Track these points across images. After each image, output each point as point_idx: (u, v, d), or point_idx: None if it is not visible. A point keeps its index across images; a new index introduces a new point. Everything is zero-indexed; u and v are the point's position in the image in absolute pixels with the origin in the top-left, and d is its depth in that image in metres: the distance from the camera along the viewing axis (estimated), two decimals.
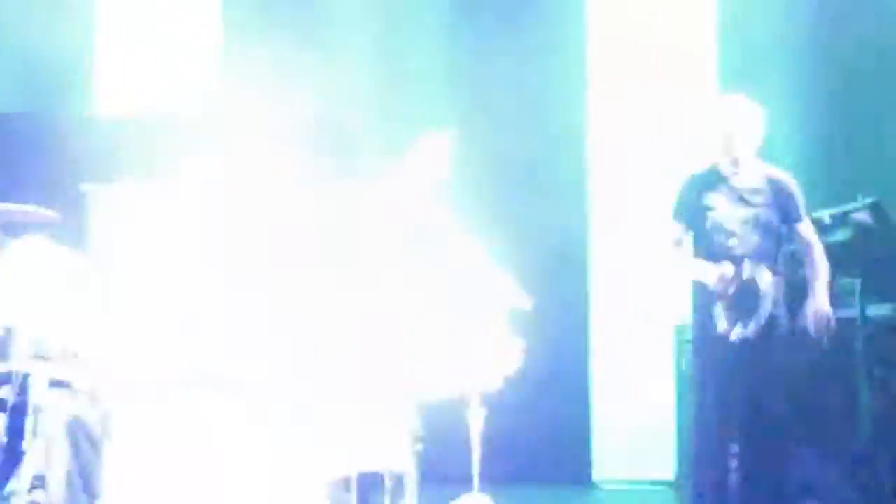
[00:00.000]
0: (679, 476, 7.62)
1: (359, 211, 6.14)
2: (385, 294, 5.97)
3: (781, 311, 6.30)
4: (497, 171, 8.93)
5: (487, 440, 5.87)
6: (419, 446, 5.73)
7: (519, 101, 9.12)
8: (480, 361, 5.91)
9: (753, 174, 6.38)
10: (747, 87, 7.75)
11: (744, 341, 6.20)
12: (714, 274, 6.15)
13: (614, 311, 8.83)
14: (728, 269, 6.07)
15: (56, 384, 5.83)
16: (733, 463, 6.25)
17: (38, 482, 5.57)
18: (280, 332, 5.87)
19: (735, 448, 6.29)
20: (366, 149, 8.12)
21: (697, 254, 6.48)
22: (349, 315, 5.96)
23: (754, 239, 6.32)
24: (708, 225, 6.33)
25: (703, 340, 6.40)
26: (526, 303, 6.04)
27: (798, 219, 6.45)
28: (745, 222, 6.32)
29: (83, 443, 5.59)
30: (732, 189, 6.33)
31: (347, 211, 6.21)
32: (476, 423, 5.82)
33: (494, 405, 5.94)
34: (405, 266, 6.06)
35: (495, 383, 5.96)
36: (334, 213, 6.06)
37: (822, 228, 6.72)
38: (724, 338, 6.24)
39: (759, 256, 6.30)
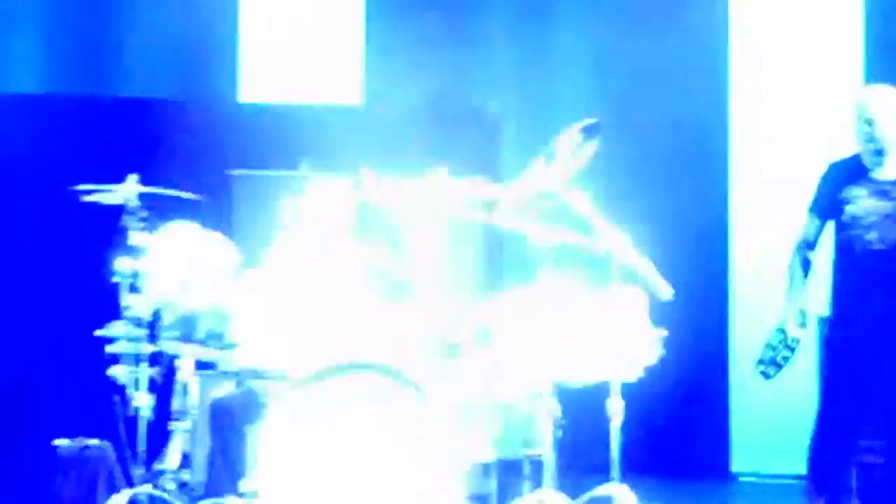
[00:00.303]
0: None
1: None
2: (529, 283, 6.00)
3: None
4: (638, 163, 8.84)
5: (627, 430, 5.82)
6: (559, 433, 5.69)
7: (661, 92, 9.01)
8: (621, 351, 5.86)
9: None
10: (893, 78, 7.62)
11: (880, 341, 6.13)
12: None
13: (755, 303, 8.60)
14: None
15: (202, 366, 6.03)
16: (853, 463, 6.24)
17: (185, 461, 5.73)
18: (419, 319, 5.96)
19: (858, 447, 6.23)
20: (507, 137, 8.01)
21: (837, 248, 6.35)
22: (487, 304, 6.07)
23: (895, 234, 6.23)
24: (846, 219, 6.20)
25: (837, 336, 6.27)
26: (667, 293, 5.90)
27: None
28: (887, 217, 6.17)
29: (226, 424, 5.69)
30: (873, 181, 6.18)
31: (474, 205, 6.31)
32: (616, 412, 5.76)
33: (634, 395, 5.89)
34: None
35: (636, 373, 5.92)
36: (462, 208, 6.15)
37: None
38: (859, 335, 6.12)
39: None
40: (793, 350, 6.27)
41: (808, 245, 6.38)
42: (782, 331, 6.25)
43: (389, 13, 9.16)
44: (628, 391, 5.89)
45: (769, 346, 6.31)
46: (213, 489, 5.71)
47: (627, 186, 8.38)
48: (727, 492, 8.52)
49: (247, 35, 9.21)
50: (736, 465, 9.02)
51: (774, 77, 9.37)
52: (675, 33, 9.03)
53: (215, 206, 6.47)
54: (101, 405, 6.14)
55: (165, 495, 5.66)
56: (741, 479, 8.86)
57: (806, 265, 6.37)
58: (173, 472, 5.74)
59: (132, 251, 5.72)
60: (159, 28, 9.09)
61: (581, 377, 5.94)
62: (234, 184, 7.24)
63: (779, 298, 6.72)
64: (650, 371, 5.93)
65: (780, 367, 6.28)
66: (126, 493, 5.67)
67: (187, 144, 7.44)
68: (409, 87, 8.66)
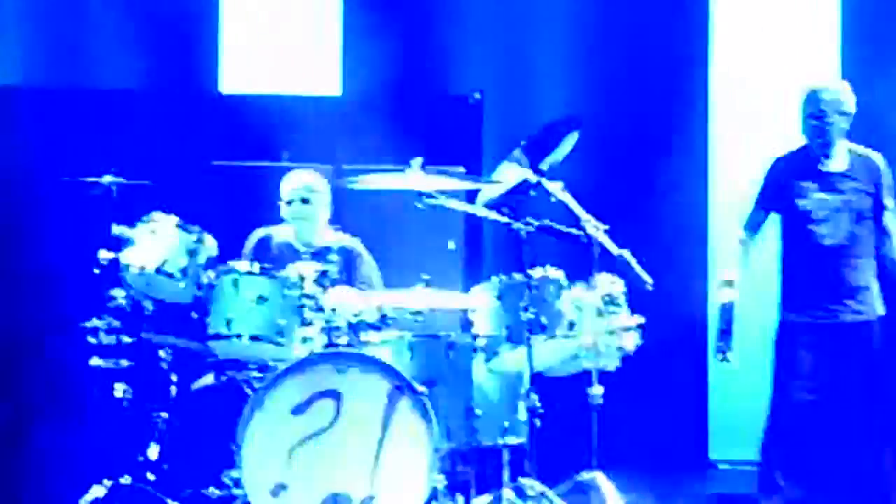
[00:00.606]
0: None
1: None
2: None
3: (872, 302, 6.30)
4: (617, 153, 8.75)
5: (606, 418, 5.85)
6: (538, 421, 5.67)
7: (643, 81, 8.92)
8: (599, 339, 5.85)
9: (844, 157, 6.28)
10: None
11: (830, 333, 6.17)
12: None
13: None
14: None
15: (184, 357, 6.03)
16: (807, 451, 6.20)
17: (167, 452, 5.74)
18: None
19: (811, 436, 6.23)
20: (488, 126, 7.97)
21: (786, 244, 6.41)
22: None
23: (846, 227, 6.20)
24: (797, 213, 6.25)
25: (788, 331, 6.29)
26: (647, 282, 5.92)
27: (881, 203, 6.32)
28: (837, 210, 6.22)
29: (207, 414, 5.75)
30: (822, 175, 6.22)
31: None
32: (595, 399, 5.77)
33: (613, 383, 5.91)
34: None
35: (615, 361, 5.96)
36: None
37: None
38: (811, 329, 6.18)
39: (851, 246, 6.23)
40: (727, 321, 6.30)
41: (751, 236, 6.46)
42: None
43: (367, 2, 9.08)
44: (607, 379, 5.89)
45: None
46: (193, 480, 5.70)
47: (606, 177, 8.39)
48: (705, 479, 8.46)
49: (228, 26, 9.01)
50: (714, 453, 8.94)
51: (755, 68, 9.31)
52: (657, 22, 9.08)
53: (195, 197, 6.50)
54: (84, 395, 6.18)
55: (148, 487, 5.68)
56: (719, 466, 8.82)
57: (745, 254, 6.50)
58: (154, 462, 5.76)
59: (114, 242, 5.72)
60: (142, 18, 8.84)
61: (559, 366, 6.01)
62: (214, 174, 7.21)
63: (755, 292, 6.87)
64: (629, 360, 5.98)
65: (726, 339, 6.29)
66: (107, 484, 5.67)
67: (168, 135, 7.37)
68: (387, 76, 8.66)
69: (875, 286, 6.26)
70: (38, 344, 7.00)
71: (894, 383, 6.39)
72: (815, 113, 6.22)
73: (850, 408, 6.14)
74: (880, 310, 6.30)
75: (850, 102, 6.27)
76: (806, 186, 6.19)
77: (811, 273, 6.23)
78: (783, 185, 6.29)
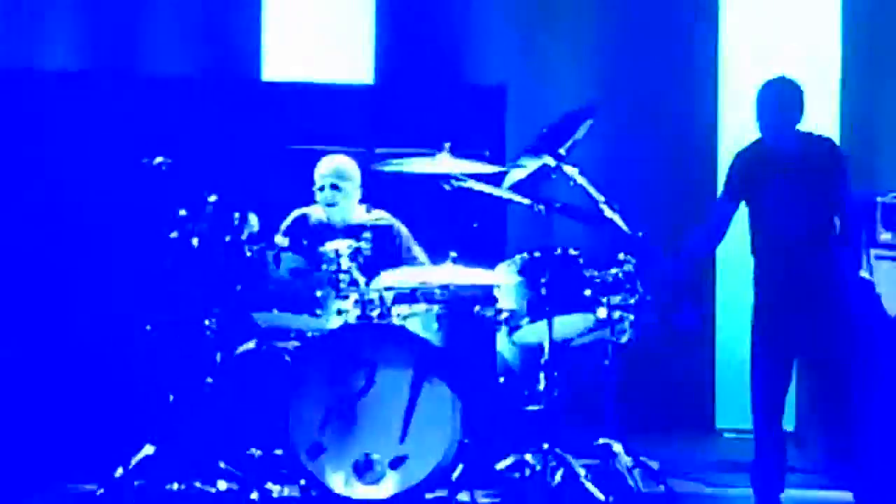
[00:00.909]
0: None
1: None
2: None
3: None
4: (633, 139, 8.76)
5: (615, 387, 5.99)
6: (556, 390, 5.74)
7: (657, 71, 8.94)
8: (613, 313, 5.91)
9: (800, 147, 6.20)
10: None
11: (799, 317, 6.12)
12: None
13: (741, 266, 7.94)
14: None
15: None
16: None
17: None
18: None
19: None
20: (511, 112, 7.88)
21: (754, 233, 6.37)
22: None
23: (806, 215, 6.16)
24: (762, 204, 6.21)
25: (761, 322, 6.21)
26: (657, 258, 5.99)
27: (832, 192, 6.24)
28: (796, 198, 6.16)
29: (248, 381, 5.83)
30: (784, 167, 6.15)
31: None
32: (609, 369, 5.94)
33: (623, 354, 6.02)
34: None
35: (627, 334, 5.99)
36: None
37: None
38: (782, 319, 6.10)
39: (812, 233, 6.19)
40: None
41: (719, 230, 6.38)
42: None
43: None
44: (618, 350, 6.00)
45: None
46: (236, 440, 5.75)
47: (621, 164, 8.35)
48: (711, 447, 8.42)
49: (270, 18, 8.89)
50: (720, 422, 8.97)
51: (761, 66, 9.02)
52: (670, 19, 9.02)
53: (240, 177, 6.55)
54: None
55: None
56: (725, 435, 8.85)
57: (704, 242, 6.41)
58: (201, 423, 5.75)
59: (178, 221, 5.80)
60: (188, 8, 8.89)
61: (578, 338, 6.07)
62: (258, 156, 7.17)
63: None
64: (641, 333, 5.99)
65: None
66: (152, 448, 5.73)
67: (214, 119, 7.36)
68: (416, 66, 8.67)
69: (838, 271, 6.21)
70: (105, 314, 6.87)
71: (860, 360, 6.38)
72: (768, 106, 6.16)
73: (824, 384, 6.15)
74: (844, 295, 6.26)
75: (799, 97, 6.18)
76: (770, 178, 6.13)
77: (776, 261, 6.18)
78: (748, 178, 6.23)
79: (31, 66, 8.25)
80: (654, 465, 6.08)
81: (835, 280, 6.00)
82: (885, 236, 7.20)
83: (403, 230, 6.63)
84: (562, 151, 6.00)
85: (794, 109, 6.08)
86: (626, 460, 5.82)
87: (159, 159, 5.85)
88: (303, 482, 5.43)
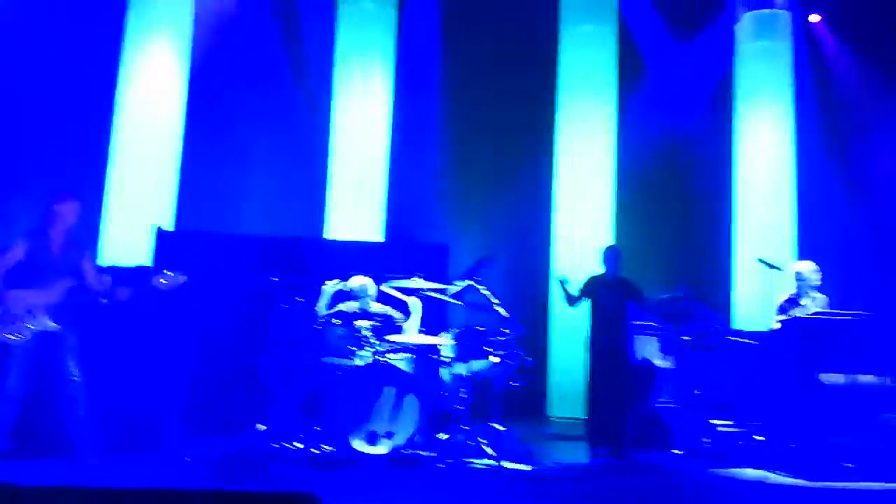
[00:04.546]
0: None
1: None
2: None
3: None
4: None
5: (502, 396, 5.93)
6: (469, 398, 5.75)
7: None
8: (502, 357, 5.90)
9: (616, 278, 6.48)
10: None
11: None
12: None
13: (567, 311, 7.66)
14: None
15: None
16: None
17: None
18: None
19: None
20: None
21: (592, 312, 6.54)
22: None
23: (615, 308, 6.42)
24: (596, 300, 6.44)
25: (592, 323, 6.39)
26: (516, 329, 5.94)
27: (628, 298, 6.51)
28: (610, 295, 6.46)
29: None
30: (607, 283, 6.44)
31: None
32: (496, 388, 5.93)
33: (505, 379, 5.92)
34: None
35: (509, 369, 5.93)
36: None
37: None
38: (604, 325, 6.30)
39: (616, 315, 6.40)
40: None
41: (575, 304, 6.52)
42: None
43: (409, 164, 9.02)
44: (502, 377, 5.97)
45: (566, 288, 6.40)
46: (310, 424, 5.72)
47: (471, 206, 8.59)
48: (546, 426, 8.22)
49: (334, 192, 8.89)
50: (551, 412, 8.81)
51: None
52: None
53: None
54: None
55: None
56: (554, 420, 8.63)
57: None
58: (288, 417, 5.76)
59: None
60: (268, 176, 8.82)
61: (484, 370, 5.99)
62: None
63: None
64: (510, 368, 5.93)
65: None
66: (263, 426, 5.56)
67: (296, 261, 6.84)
68: (406, 231, 8.83)
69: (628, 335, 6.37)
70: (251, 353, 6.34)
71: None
72: (607, 260, 6.58)
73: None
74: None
75: (619, 256, 6.48)
76: (601, 287, 6.48)
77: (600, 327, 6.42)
78: (592, 286, 6.53)
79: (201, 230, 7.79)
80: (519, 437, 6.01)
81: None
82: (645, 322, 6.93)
83: (398, 315, 6.38)
84: (476, 278, 6.04)
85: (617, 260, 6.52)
86: (504, 433, 5.83)
87: (274, 279, 5.98)
88: (340, 445, 5.43)
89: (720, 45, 9.75)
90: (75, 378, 4.71)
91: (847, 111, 9.25)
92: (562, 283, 6.40)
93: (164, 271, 4.91)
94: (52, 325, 4.72)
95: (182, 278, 4.92)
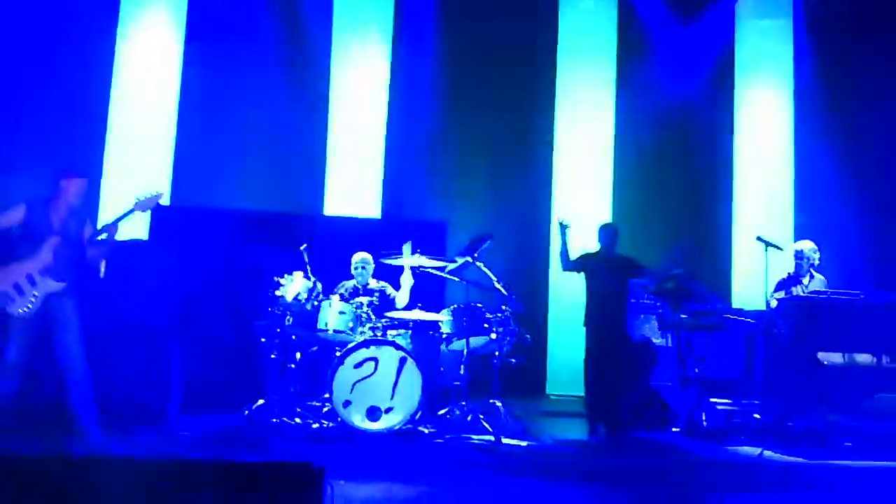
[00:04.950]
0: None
1: None
2: None
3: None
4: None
5: (500, 372, 5.98)
6: (468, 374, 5.74)
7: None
8: (499, 334, 5.94)
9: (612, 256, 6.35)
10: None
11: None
12: None
13: (567, 287, 8.03)
14: None
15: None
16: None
17: None
18: None
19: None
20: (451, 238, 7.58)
21: (588, 289, 6.41)
22: None
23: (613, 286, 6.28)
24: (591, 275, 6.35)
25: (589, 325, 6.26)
26: (518, 307, 5.97)
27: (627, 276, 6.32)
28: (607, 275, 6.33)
29: None
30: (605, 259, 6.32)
31: None
32: (494, 364, 5.97)
33: (502, 356, 5.98)
34: None
35: (507, 346, 5.99)
36: None
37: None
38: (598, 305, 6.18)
39: (612, 294, 6.27)
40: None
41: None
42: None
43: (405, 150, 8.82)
44: (500, 354, 6.01)
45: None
46: (307, 397, 5.82)
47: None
48: (544, 404, 8.24)
49: (330, 167, 8.78)
50: (549, 390, 8.82)
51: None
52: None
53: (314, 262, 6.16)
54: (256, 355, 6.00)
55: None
56: (552, 397, 8.67)
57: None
58: (288, 389, 5.76)
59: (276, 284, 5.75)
60: (268, 151, 8.61)
61: (481, 347, 6.02)
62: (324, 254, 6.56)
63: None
64: (510, 344, 6.01)
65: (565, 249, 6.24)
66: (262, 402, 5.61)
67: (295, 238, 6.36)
68: (404, 207, 8.75)
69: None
70: (239, 326, 6.43)
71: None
72: (603, 238, 6.44)
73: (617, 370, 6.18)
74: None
75: (615, 234, 6.38)
76: (597, 265, 6.36)
77: (594, 304, 6.28)
78: (587, 263, 6.42)
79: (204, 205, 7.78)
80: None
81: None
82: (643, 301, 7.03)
83: (392, 291, 6.41)
84: (475, 255, 6.02)
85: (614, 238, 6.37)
86: (503, 410, 5.88)
87: (304, 246, 5.92)
88: (339, 420, 5.42)
89: (721, 21, 9.60)
90: (76, 348, 4.65)
91: (847, 89, 9.14)
92: (562, 227, 6.30)
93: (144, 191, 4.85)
94: (54, 284, 4.65)
95: (159, 194, 4.87)
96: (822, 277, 6.46)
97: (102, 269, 5.24)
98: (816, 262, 6.44)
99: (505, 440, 5.47)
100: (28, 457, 2.79)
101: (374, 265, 6.43)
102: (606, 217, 8.64)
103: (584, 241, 6.73)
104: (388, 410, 5.43)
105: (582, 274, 6.35)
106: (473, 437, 5.51)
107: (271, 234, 6.80)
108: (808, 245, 6.52)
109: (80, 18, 8.18)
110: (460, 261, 5.99)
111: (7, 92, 8.01)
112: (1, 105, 7.94)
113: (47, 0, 8.21)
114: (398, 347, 5.58)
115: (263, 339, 5.79)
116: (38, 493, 2.68)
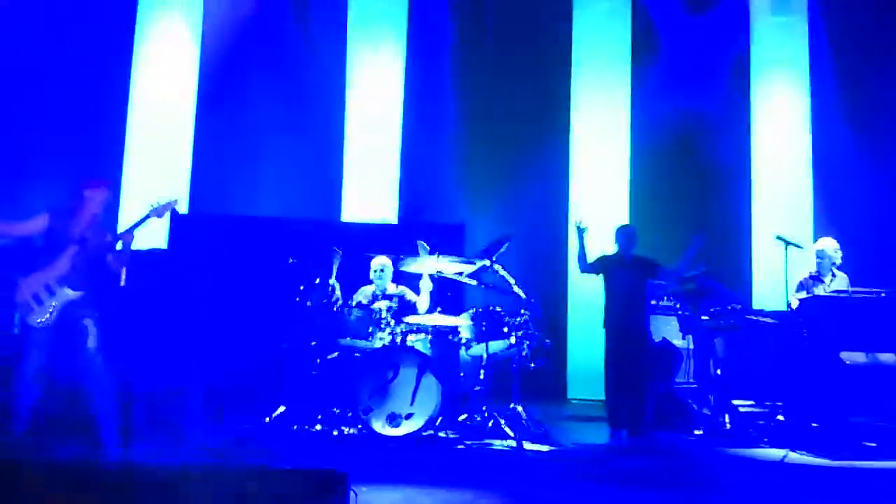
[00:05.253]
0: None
1: None
2: None
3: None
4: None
5: (520, 377, 5.94)
6: (488, 379, 5.73)
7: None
8: (520, 339, 5.93)
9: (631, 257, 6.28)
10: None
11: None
12: None
13: (586, 289, 7.95)
14: None
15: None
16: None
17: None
18: None
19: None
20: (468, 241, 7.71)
21: (606, 291, 6.36)
22: None
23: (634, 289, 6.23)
24: (610, 278, 6.28)
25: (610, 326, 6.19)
26: (537, 313, 5.96)
27: (646, 277, 6.30)
28: (627, 277, 6.25)
29: None
30: (624, 262, 6.25)
31: None
32: (514, 368, 5.94)
33: (522, 360, 5.90)
34: None
35: (525, 350, 5.95)
36: None
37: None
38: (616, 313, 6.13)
39: (633, 295, 6.22)
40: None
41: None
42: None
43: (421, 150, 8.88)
44: (519, 358, 5.97)
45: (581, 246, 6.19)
46: (326, 404, 5.77)
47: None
48: (565, 407, 8.25)
49: (347, 175, 8.79)
50: (570, 394, 8.85)
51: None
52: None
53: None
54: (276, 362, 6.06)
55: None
56: (573, 401, 8.64)
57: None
58: (308, 395, 5.81)
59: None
60: (284, 162, 8.59)
61: (501, 352, 6.00)
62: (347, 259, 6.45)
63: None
64: (529, 349, 5.98)
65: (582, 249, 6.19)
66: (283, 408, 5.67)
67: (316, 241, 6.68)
68: (420, 212, 8.77)
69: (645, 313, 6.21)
70: (266, 337, 6.45)
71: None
72: (621, 239, 6.36)
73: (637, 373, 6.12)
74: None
75: (633, 236, 6.30)
76: (616, 267, 6.30)
77: (615, 305, 6.25)
78: (605, 265, 6.36)
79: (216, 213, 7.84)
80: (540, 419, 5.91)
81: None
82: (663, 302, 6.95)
83: (412, 296, 6.43)
84: (494, 258, 6.03)
85: (632, 239, 6.32)
86: (524, 415, 5.86)
87: (292, 260, 6.00)
88: (360, 426, 5.43)
89: (735, 19, 9.51)
90: (97, 358, 4.61)
91: (864, 84, 9.04)
92: (579, 230, 6.25)
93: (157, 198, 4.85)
94: (72, 293, 4.62)
95: (175, 200, 4.88)
96: (845, 276, 6.38)
97: (123, 278, 5.20)
98: (839, 260, 6.35)
99: (526, 445, 5.46)
100: (48, 464, 2.83)
101: (392, 269, 6.41)
102: (624, 219, 8.62)
103: (602, 244, 6.71)
104: (408, 416, 5.42)
105: (601, 276, 6.31)
106: (495, 442, 5.49)
107: (290, 240, 6.87)
108: (830, 244, 6.43)
109: (97, 27, 8.26)
110: (479, 263, 5.96)
111: (25, 99, 8.09)
112: (19, 112, 7.99)
113: (65, 8, 8.25)
114: (418, 353, 5.57)
115: (284, 346, 5.87)
116: (59, 501, 2.66)
